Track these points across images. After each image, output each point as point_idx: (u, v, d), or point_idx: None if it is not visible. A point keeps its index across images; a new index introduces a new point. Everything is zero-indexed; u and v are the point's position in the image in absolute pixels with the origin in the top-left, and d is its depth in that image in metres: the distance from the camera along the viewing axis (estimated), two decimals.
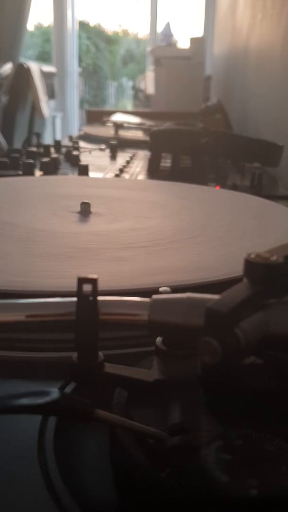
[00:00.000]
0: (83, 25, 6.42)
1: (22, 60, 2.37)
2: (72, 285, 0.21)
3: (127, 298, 0.23)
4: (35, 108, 2.27)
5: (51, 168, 0.82)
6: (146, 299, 0.22)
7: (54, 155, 0.91)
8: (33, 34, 5.70)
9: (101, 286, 0.21)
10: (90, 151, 1.03)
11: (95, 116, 1.83)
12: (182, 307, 0.21)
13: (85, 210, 0.52)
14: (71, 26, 3.99)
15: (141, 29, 7.40)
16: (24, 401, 0.18)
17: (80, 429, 0.22)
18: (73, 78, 4.14)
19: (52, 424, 0.22)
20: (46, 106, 2.33)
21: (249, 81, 1.38)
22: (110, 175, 0.83)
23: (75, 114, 4.20)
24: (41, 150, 0.99)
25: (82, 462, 0.21)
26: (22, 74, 2.16)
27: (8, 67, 2.07)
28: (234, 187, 0.72)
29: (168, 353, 0.23)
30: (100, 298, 0.22)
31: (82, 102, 5.19)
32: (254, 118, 1.31)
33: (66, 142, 1.16)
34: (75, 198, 0.55)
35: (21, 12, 2.36)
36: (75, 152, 0.94)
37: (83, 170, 0.78)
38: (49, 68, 2.68)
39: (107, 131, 1.31)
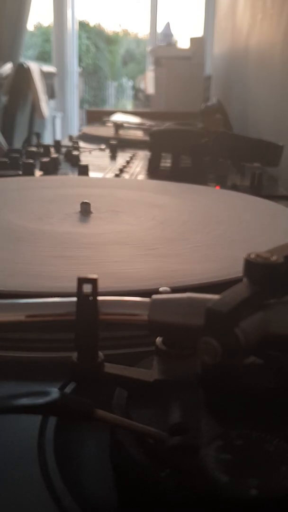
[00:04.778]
0: (83, 25, 6.42)
1: (22, 60, 2.37)
2: (72, 285, 0.21)
3: (127, 298, 0.23)
4: (35, 108, 2.27)
5: (51, 168, 0.82)
6: (146, 299, 0.22)
7: (54, 155, 0.91)
8: (33, 34, 5.70)
9: (101, 286, 0.21)
10: (90, 151, 1.03)
11: (95, 116, 1.83)
12: (182, 307, 0.21)
13: (85, 210, 0.52)
14: (71, 26, 3.99)
15: (141, 29, 7.41)
16: (24, 401, 0.18)
17: (80, 429, 0.22)
18: (73, 78, 4.14)
19: (52, 424, 0.22)
20: (46, 106, 2.33)
21: (249, 81, 1.38)
22: (110, 175, 0.83)
23: (75, 114, 4.19)
24: (41, 150, 0.99)
25: (82, 462, 0.21)
26: (22, 74, 2.16)
27: (8, 67, 2.07)
28: (234, 187, 0.72)
29: (168, 353, 0.23)
30: (100, 298, 0.22)
31: (82, 102, 5.19)
32: (254, 118, 1.31)
33: (66, 142, 1.16)
34: (75, 198, 0.55)
35: (21, 12, 2.36)
36: (75, 152, 0.94)
37: (83, 170, 0.78)
38: (49, 68, 2.68)
39: (107, 131, 1.31)
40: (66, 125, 3.77)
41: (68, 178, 0.79)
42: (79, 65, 4.70)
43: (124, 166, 0.88)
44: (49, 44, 4.49)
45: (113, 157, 1.00)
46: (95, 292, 0.21)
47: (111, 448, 0.21)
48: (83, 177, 0.77)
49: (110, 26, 8.12)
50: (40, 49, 5.75)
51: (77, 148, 1.02)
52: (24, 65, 2.19)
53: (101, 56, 6.95)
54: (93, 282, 0.21)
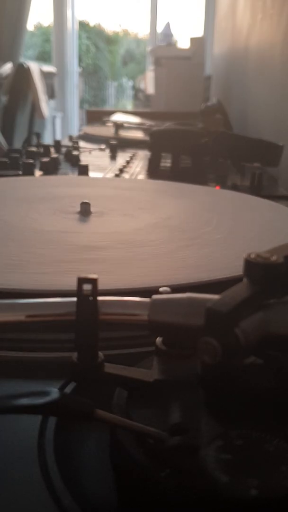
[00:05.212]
0: (83, 25, 6.42)
1: (22, 60, 2.37)
2: (72, 285, 0.21)
3: (127, 298, 0.23)
4: (35, 108, 2.27)
5: (51, 168, 0.82)
6: (146, 299, 0.22)
7: (54, 155, 0.91)
8: (33, 34, 5.70)
9: (101, 286, 0.21)
10: (90, 151, 1.03)
11: (95, 116, 1.83)
12: (182, 307, 0.21)
13: (85, 210, 0.52)
14: (71, 26, 3.99)
15: (141, 29, 7.41)
16: (24, 401, 0.18)
17: (80, 429, 0.22)
18: (73, 78, 4.14)
19: (52, 424, 0.22)
20: (46, 106, 2.33)
21: (249, 81, 1.38)
22: (110, 175, 0.83)
23: (75, 114, 4.19)
24: (41, 150, 0.99)
25: (82, 462, 0.21)
26: (22, 74, 2.16)
27: (8, 67, 2.07)
28: (234, 187, 0.72)
29: (168, 353, 0.23)
30: (100, 298, 0.22)
31: (82, 102, 5.19)
32: (254, 118, 1.31)
33: (66, 142, 1.16)
34: (75, 198, 0.55)
35: (21, 12, 2.36)
36: (75, 152, 0.94)
37: (83, 170, 0.78)
38: (49, 68, 2.68)
39: (107, 131, 1.31)
40: (66, 125, 3.77)
41: (68, 178, 0.79)
42: (79, 65, 4.70)
43: (124, 166, 0.88)
44: (49, 44, 4.49)
45: (113, 157, 1.00)
46: (95, 292, 0.21)
47: (111, 448, 0.21)
48: (83, 177, 0.77)
49: (110, 26, 8.13)
50: (40, 49, 5.75)
51: (77, 148, 1.02)
52: (24, 65, 2.19)
53: (101, 56, 6.95)
54: (93, 282, 0.21)
